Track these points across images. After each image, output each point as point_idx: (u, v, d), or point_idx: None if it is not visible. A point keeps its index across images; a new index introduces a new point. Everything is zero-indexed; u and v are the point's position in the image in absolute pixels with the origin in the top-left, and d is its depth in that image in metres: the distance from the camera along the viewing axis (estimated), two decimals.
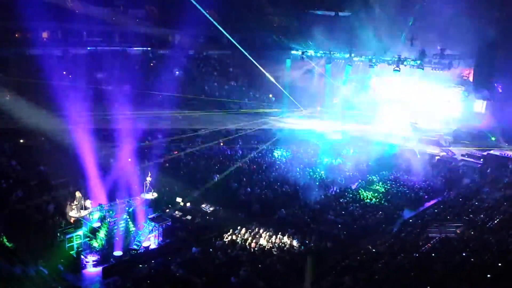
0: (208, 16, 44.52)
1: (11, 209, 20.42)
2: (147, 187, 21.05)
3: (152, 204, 21.25)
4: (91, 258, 18.34)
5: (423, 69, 38.95)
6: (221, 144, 34.51)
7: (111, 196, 21.01)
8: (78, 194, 19.67)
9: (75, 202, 19.53)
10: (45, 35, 39.10)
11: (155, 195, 21.09)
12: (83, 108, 29.30)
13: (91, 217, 19.42)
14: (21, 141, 27.96)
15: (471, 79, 39.11)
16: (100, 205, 19.88)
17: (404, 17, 37.45)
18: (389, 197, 26.95)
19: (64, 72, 35.32)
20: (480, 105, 38.31)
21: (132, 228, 19.95)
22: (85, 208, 19.61)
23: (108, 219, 19.25)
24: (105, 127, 30.55)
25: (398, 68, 38.93)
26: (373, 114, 42.18)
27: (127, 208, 20.12)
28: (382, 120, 40.80)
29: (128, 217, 19.95)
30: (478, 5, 33.59)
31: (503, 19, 33.31)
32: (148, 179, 21.02)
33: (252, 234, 20.47)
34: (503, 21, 33.39)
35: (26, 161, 25.68)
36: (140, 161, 26.54)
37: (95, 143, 25.85)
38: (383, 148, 35.45)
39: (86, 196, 20.32)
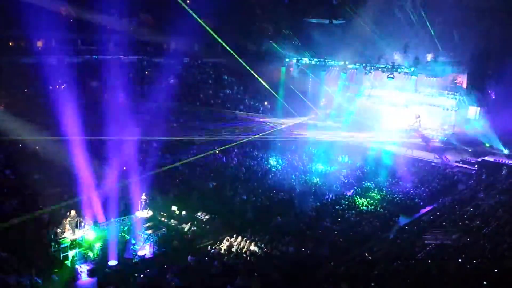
0: (203, 24, 44.72)
1: (5, 219, 20.23)
2: (143, 205, 20.91)
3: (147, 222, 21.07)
4: (85, 268, 18.21)
5: (417, 76, 39.30)
6: (216, 151, 34.49)
7: (106, 214, 20.88)
8: (73, 212, 19.44)
9: (69, 220, 19.21)
10: (39, 43, 38.99)
11: (150, 213, 20.94)
12: (77, 118, 29.15)
13: (86, 238, 19.23)
14: (20, 145, 27.69)
15: (464, 85, 39.37)
16: (95, 224, 19.76)
17: (398, 24, 37.72)
18: (384, 204, 27.03)
19: (59, 81, 35.22)
20: (473, 112, 38.53)
21: (127, 238, 19.84)
22: (80, 227, 19.38)
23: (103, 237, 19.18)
24: (99, 138, 30.51)
25: (392, 75, 39.22)
26: (368, 120, 42.42)
27: (122, 227, 19.99)
28: (378, 126, 41.01)
29: (123, 233, 19.87)
30: (471, 12, 33.87)
31: (496, 25, 33.57)
32: (143, 197, 20.90)
33: (248, 242, 20.40)
34: (496, 28, 33.66)
35: (20, 170, 25.51)
36: (133, 172, 26.32)
37: (88, 156, 25.82)
38: (378, 154, 35.60)
39: (80, 214, 20.04)
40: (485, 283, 15.29)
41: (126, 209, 21.91)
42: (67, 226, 18.99)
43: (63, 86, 35.22)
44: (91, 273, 18.05)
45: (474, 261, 17.16)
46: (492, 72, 35.59)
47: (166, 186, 26.32)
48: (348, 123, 43.47)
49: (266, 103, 46.21)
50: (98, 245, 19.02)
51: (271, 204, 25.64)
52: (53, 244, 18.58)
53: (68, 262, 18.42)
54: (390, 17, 37.90)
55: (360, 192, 29.10)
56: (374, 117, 42.52)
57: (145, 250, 19.76)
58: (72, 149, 25.06)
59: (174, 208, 23.59)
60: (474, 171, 32.55)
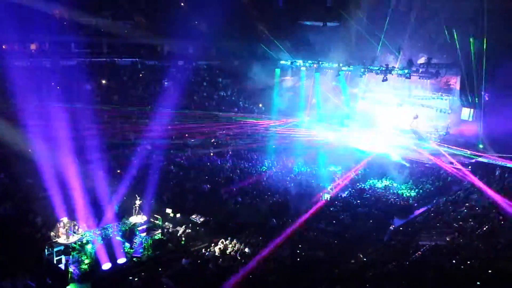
0: (197, 26, 44.77)
1: None
2: (137, 209, 20.81)
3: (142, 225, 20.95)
4: (80, 271, 18.10)
5: (410, 78, 39.41)
6: (211, 154, 34.47)
7: (100, 218, 20.78)
8: (65, 219, 19.30)
9: (63, 224, 19.05)
10: (33, 46, 38.82)
11: (145, 218, 20.85)
12: (71, 121, 29.08)
13: (79, 242, 19.10)
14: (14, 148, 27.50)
15: (458, 87, 39.53)
16: (89, 228, 19.65)
17: (391, 27, 37.87)
18: (379, 205, 27.09)
19: (53, 84, 35.06)
20: (467, 113, 38.67)
21: (121, 241, 19.73)
22: (74, 231, 19.24)
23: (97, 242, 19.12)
24: (92, 142, 30.41)
25: (386, 77, 39.31)
26: (363, 122, 42.50)
27: (116, 231, 19.88)
28: (372, 127, 41.09)
29: (117, 237, 19.78)
30: (464, 14, 34.04)
31: (489, 27, 33.75)
32: (138, 202, 20.82)
33: (242, 244, 20.38)
34: (489, 30, 33.83)
35: (14, 173, 25.36)
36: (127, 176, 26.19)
37: (82, 161, 25.70)
38: (372, 156, 35.67)
39: (74, 220, 19.88)
40: (478, 283, 15.38)
41: (120, 213, 21.79)
42: (61, 230, 18.88)
43: (57, 88, 35.02)
44: (85, 277, 17.96)
45: (468, 262, 17.24)
46: (485, 73, 35.68)
47: (161, 189, 26.21)
48: (342, 124, 43.54)
49: (260, 105, 46.24)
50: (92, 249, 18.90)
51: (265, 206, 25.64)
52: (46, 247, 18.45)
53: (62, 266, 18.30)
54: (384, 19, 38.02)
55: (355, 193, 29.14)
56: (368, 118, 42.58)
57: (139, 253, 19.68)
58: (64, 153, 24.97)
59: (168, 211, 23.54)
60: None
